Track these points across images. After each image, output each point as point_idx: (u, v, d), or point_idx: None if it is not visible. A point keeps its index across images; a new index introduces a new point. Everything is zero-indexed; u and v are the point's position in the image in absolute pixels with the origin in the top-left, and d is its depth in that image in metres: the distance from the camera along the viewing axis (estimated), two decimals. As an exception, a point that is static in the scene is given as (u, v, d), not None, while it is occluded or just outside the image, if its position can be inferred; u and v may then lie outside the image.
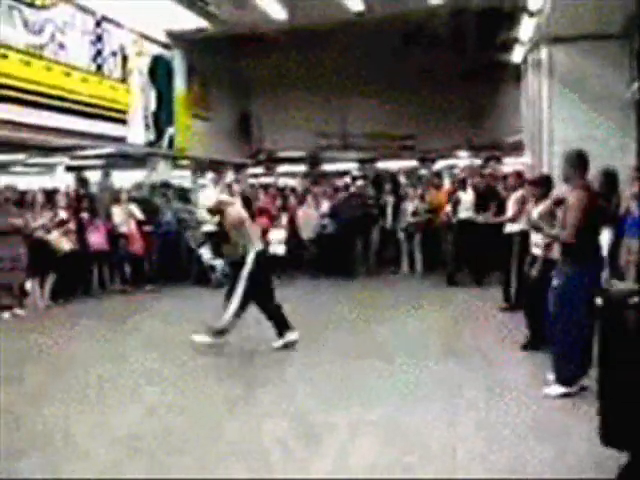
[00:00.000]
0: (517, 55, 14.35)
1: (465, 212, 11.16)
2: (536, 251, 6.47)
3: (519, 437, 4.46)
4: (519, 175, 9.43)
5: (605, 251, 5.79)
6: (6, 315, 9.29)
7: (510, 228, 8.53)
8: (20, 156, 16.14)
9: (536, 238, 6.43)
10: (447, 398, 5.32)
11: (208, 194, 9.16)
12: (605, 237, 6.04)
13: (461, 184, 11.82)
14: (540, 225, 5.75)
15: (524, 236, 7.35)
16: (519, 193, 8.48)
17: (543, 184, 6.88)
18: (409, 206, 12.49)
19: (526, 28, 12.14)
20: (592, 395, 4.19)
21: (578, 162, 5.22)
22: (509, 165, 17.64)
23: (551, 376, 5.35)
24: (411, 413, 5.01)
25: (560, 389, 5.16)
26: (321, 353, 6.94)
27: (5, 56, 9.76)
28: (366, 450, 4.39)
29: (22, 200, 10.40)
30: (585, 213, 5.00)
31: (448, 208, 11.58)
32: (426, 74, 18.18)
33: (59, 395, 5.72)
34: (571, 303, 5.11)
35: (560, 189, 6.21)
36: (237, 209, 7.53)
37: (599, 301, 4.14)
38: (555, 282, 5.31)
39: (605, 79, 11.69)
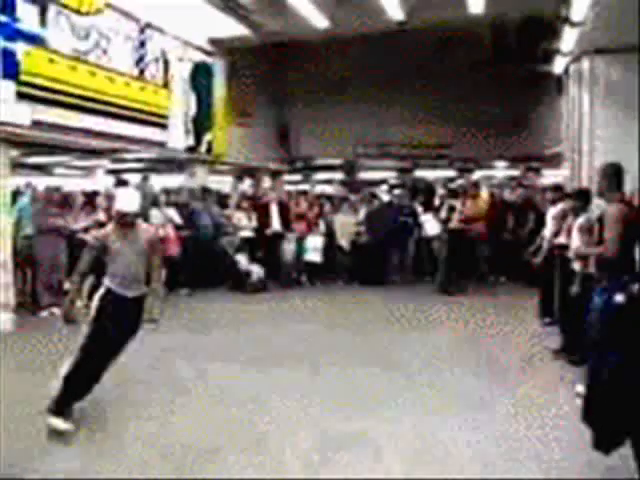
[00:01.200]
0: (558, 66, 14.19)
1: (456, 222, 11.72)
2: (575, 266, 6.42)
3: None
4: (558, 188, 9.30)
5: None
6: (44, 313, 9.50)
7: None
8: (63, 158, 16.46)
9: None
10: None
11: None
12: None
13: (454, 193, 12.04)
14: (582, 252, 5.70)
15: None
16: (559, 207, 8.36)
17: (581, 197, 6.81)
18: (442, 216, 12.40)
19: (568, 39, 12.01)
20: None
21: (613, 175, 5.12)
22: (548, 177, 17.48)
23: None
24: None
25: None
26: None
27: (52, 60, 9.98)
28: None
29: (63, 201, 10.61)
30: (624, 226, 4.92)
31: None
32: (466, 83, 18.13)
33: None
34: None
35: (596, 202, 6.14)
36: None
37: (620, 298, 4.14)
38: (596, 300, 5.22)
39: (648, 92, 11.52)
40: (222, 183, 18.77)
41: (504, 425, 5.05)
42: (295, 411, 5.42)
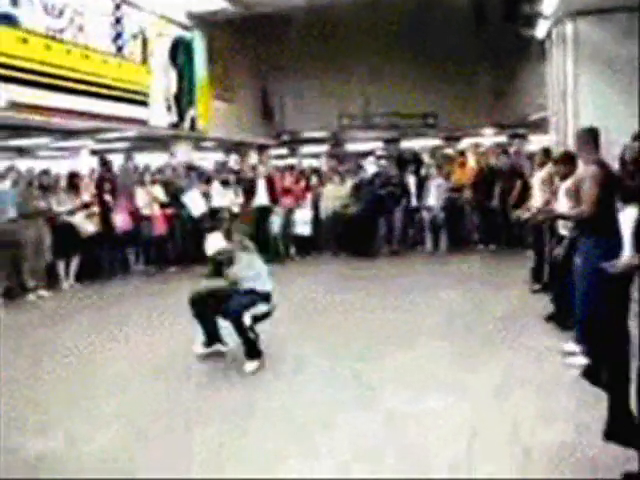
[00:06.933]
0: (541, 30, 14.05)
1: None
2: (562, 231, 6.42)
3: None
4: (547, 152, 9.18)
5: (629, 230, 5.65)
6: (31, 297, 9.42)
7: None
8: (44, 140, 16.27)
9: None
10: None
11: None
12: (630, 215, 5.90)
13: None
14: (558, 214, 5.81)
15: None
16: (544, 172, 8.26)
17: (566, 162, 6.74)
18: (432, 185, 12.42)
19: (550, 2, 11.87)
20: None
21: (588, 138, 5.24)
22: (534, 143, 17.41)
23: (572, 346, 5.50)
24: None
25: (583, 360, 5.16)
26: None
27: (26, 40, 9.79)
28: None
29: (47, 183, 10.43)
30: (600, 188, 4.93)
31: None
32: (449, 51, 17.99)
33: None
34: (589, 280, 5.02)
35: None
36: None
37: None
38: (577, 260, 5.26)
39: (631, 53, 11.42)
40: (207, 160, 18.63)
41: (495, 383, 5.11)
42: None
